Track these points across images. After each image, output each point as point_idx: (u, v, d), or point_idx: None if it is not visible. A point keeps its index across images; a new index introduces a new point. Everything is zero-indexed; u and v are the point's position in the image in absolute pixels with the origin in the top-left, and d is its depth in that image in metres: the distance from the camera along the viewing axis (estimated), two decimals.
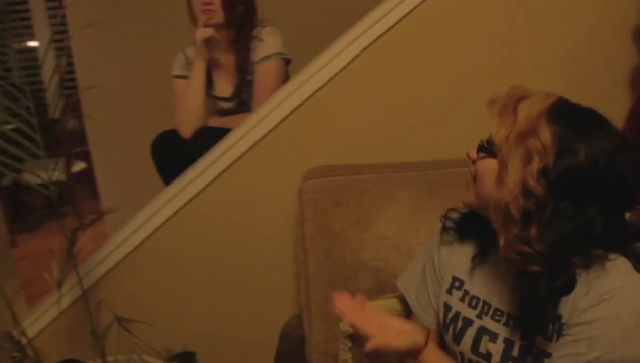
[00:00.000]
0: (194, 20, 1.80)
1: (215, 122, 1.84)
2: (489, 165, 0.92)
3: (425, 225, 1.44)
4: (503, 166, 0.88)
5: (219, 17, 1.75)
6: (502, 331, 0.96)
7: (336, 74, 1.51)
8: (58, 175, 3.84)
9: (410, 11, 1.46)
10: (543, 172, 0.83)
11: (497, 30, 1.54)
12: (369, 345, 0.90)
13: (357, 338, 1.29)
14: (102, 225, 3.31)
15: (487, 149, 0.94)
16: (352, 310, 0.95)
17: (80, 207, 3.76)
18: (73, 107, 2.51)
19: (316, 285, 1.45)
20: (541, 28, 1.54)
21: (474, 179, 0.97)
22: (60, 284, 1.34)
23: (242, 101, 1.87)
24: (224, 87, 1.88)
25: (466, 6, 1.51)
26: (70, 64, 2.52)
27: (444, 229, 1.09)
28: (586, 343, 0.84)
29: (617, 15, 1.56)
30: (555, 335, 0.87)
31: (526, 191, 0.84)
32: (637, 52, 1.59)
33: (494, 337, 0.97)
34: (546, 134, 0.83)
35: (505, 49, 1.54)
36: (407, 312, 1.27)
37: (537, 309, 0.87)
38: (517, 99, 0.90)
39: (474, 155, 0.97)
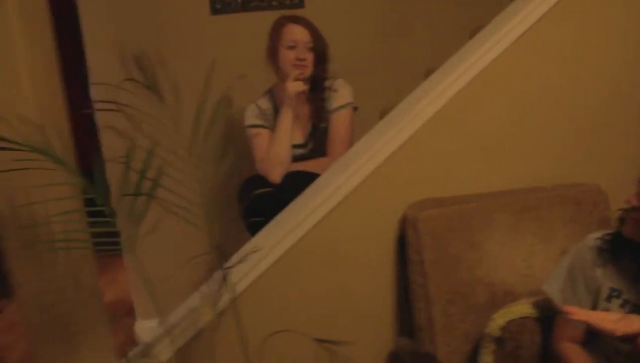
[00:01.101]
0: (279, 74, 1.97)
1: (294, 166, 1.98)
2: None
3: (523, 242, 1.69)
4: None
5: (309, 71, 1.94)
6: None
7: (432, 116, 1.74)
8: None
9: (508, 47, 1.73)
10: None
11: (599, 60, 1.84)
12: (621, 330, 1.12)
13: (502, 342, 1.51)
14: (117, 272, 3.24)
15: None
16: (585, 315, 1.16)
17: None
18: None
19: (438, 304, 1.63)
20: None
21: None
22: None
23: (315, 147, 2.03)
24: (296, 134, 2.03)
25: (561, 39, 1.80)
26: None
27: (601, 250, 1.34)
28: None
29: None
30: None
31: None
32: None
33: None
34: None
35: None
36: (539, 315, 1.51)
37: None
38: None
39: (634, 202, 1.23)
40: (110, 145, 2.32)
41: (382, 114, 2.70)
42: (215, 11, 2.61)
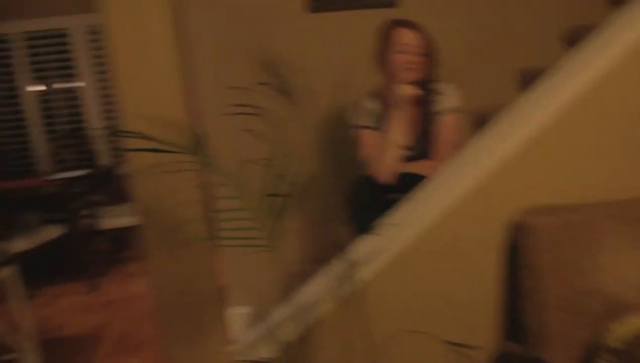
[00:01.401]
0: (388, 76, 2.02)
1: (403, 168, 2.02)
2: None
3: (634, 252, 1.69)
4: None
5: (419, 75, 1.98)
6: None
7: (545, 124, 1.75)
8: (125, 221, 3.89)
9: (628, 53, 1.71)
10: None
11: None
12: None
13: (621, 354, 1.52)
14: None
15: None
16: None
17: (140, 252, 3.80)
18: None
19: (551, 310, 1.66)
20: None
21: None
22: None
23: (423, 150, 2.08)
24: (405, 137, 2.08)
25: None
26: None
27: None
28: None
29: None
30: None
31: None
32: None
33: None
34: None
35: None
36: None
37: None
38: None
39: None
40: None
41: (476, 116, 2.71)
42: (314, 9, 2.67)
